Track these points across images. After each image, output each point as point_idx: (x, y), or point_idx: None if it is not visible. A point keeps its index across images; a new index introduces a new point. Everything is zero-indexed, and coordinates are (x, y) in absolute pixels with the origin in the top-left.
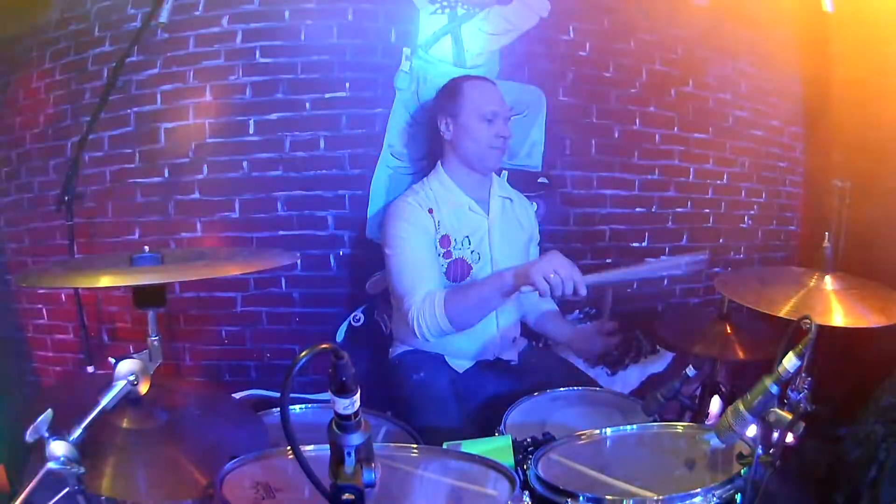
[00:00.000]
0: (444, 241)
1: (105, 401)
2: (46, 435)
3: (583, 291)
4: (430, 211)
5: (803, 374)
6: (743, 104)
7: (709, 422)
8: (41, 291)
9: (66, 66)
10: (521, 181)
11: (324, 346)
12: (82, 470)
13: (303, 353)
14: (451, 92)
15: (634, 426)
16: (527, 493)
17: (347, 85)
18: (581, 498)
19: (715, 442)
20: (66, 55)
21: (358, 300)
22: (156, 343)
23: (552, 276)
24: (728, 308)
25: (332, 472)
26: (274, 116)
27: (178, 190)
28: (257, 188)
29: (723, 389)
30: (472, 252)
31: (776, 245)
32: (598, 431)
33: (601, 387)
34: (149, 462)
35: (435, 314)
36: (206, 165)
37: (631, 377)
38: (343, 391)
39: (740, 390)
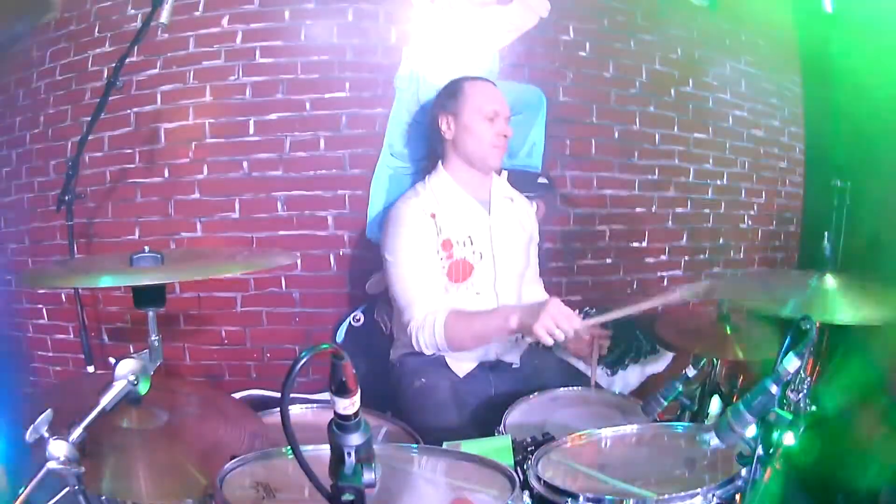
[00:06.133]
0: (446, 244)
1: (105, 401)
2: (46, 435)
3: (585, 336)
4: (433, 216)
5: (803, 374)
6: (743, 104)
7: (709, 422)
8: (41, 291)
9: (66, 66)
10: (521, 181)
11: (324, 346)
12: (82, 470)
13: (303, 353)
14: (452, 91)
15: (634, 426)
16: (527, 493)
17: (347, 85)
18: (581, 498)
19: (715, 442)
20: (66, 55)
21: (358, 300)
22: (156, 343)
23: (556, 331)
24: (728, 308)
25: (332, 472)
26: (274, 116)
27: (178, 190)
28: (257, 188)
29: (723, 389)
30: (474, 252)
31: (776, 245)
32: (598, 431)
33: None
34: (149, 462)
35: (434, 335)
36: (206, 165)
37: (631, 377)
38: (343, 391)
39: (740, 390)
